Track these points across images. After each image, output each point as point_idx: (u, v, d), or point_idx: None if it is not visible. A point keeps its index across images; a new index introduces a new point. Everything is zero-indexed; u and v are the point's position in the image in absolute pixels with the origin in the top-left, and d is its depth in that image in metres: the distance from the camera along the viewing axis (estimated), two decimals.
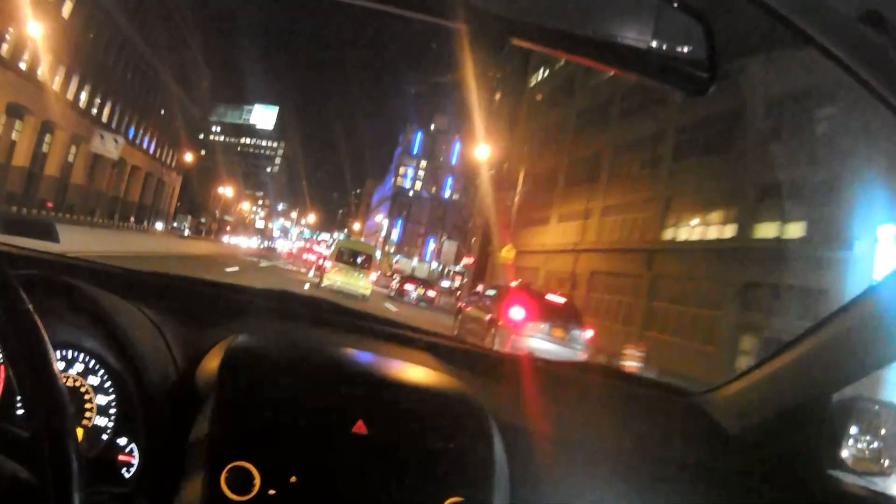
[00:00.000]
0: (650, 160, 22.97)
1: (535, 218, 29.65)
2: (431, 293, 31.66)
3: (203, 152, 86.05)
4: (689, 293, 18.39)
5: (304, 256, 57.69)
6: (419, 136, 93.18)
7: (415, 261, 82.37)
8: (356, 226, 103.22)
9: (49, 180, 32.60)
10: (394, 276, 38.32)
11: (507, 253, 21.80)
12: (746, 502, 1.34)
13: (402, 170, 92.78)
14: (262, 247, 74.05)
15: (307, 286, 18.32)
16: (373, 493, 1.05)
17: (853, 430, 1.29)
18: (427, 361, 1.41)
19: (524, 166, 28.20)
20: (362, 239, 78.20)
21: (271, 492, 1.00)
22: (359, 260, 20.91)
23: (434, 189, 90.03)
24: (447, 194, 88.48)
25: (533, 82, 37.49)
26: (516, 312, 11.27)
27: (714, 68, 0.94)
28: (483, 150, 27.90)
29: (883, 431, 1.29)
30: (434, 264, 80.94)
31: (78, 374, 1.13)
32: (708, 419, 1.45)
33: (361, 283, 20.14)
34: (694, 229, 20.01)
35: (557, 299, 12.66)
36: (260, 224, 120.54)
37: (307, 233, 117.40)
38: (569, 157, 29.16)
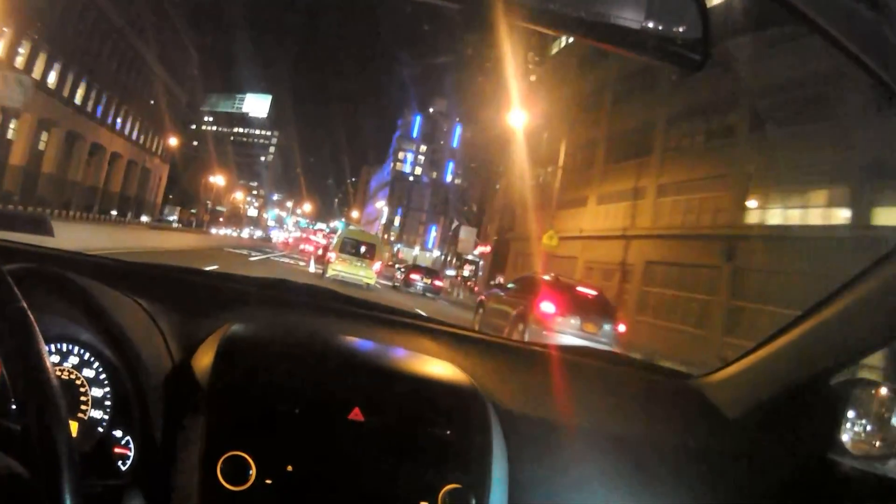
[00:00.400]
0: (719, 130, 19.17)
1: (568, 199, 25.47)
2: (438, 283, 30.16)
3: (195, 143, 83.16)
4: (787, 290, 14.85)
5: (302, 247, 54.57)
6: (418, 119, 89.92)
7: (416, 249, 79.67)
8: (354, 213, 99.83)
9: (15, 170, 28.96)
10: (396, 266, 36.75)
11: (549, 240, 18.59)
12: (746, 486, 1.33)
13: (401, 154, 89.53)
14: (253, 237, 68.95)
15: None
16: (369, 480, 1.06)
17: (852, 412, 1.28)
18: (426, 348, 1.41)
19: (556, 138, 24.37)
20: (361, 227, 76.38)
21: (268, 481, 1.00)
22: (362, 250, 20.50)
23: (435, 174, 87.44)
24: (449, 178, 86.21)
25: (555, 49, 33.78)
26: (547, 307, 10.39)
27: (708, 47, 0.94)
28: (513, 119, 23.87)
29: (882, 414, 1.28)
30: (436, 252, 78.82)
31: (73, 367, 1.12)
32: (707, 403, 1.45)
33: (365, 273, 19.98)
34: (788, 212, 16.46)
35: (588, 291, 11.62)
36: (254, 214, 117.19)
37: (303, 222, 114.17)
38: (608, 129, 25.14)
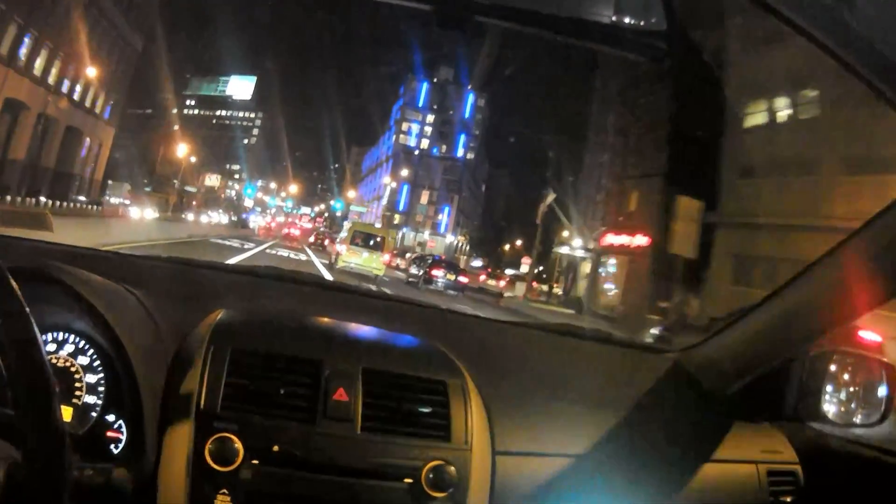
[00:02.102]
0: None
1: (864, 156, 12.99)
2: (463, 279, 27.31)
3: (176, 128, 70.57)
4: None
5: (286, 231, 43.71)
6: (425, 86, 77.09)
7: (426, 233, 67.74)
8: (351, 193, 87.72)
9: None
10: (407, 255, 33.86)
11: None
12: (728, 456, 1.34)
13: (405, 125, 76.84)
14: (211, 223, 52.15)
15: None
16: (354, 459, 1.09)
17: (831, 381, 1.29)
18: (409, 328, 1.44)
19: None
20: (362, 208, 66.51)
21: (254, 461, 1.04)
22: (371, 242, 21.48)
23: (445, 148, 75.63)
24: (460, 153, 74.67)
25: None
26: (870, 333, 6.95)
27: (674, 37, 0.94)
28: None
29: (860, 382, 1.28)
30: (450, 237, 67.61)
31: (68, 354, 1.16)
32: (688, 376, 1.44)
33: (375, 265, 20.76)
34: None
35: (874, 337, 7.20)
36: (234, 198, 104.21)
37: (288, 206, 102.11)
38: None
